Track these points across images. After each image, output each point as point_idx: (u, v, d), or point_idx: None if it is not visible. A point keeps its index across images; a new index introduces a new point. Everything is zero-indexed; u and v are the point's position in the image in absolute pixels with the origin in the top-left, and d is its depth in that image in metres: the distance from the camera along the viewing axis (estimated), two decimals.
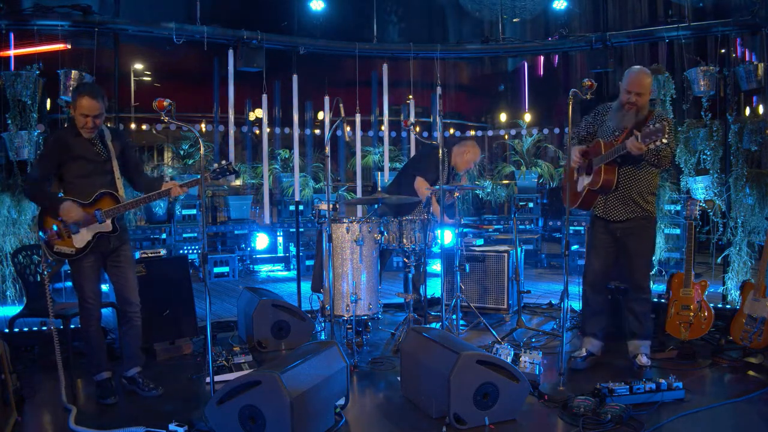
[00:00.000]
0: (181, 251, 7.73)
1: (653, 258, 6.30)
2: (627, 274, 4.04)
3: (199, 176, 3.41)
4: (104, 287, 3.74)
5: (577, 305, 5.34)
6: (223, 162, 3.60)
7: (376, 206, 5.21)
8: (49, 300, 3.50)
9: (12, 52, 5.89)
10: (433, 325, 4.65)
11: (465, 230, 5.32)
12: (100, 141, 3.49)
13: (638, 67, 3.80)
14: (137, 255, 4.42)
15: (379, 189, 4.72)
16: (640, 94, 3.72)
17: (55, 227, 3.34)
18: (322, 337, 4.56)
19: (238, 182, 9.17)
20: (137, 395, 3.56)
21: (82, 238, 3.38)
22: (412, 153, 8.14)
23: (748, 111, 7.11)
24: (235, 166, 3.63)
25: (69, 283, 6.49)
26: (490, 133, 10.36)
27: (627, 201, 3.88)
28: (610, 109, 3.95)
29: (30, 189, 3.49)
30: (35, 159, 3.47)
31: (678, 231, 7.04)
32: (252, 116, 9.81)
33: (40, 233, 3.37)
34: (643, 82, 3.71)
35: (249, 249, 8.55)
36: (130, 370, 3.62)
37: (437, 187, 4.65)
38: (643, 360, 3.90)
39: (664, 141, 3.33)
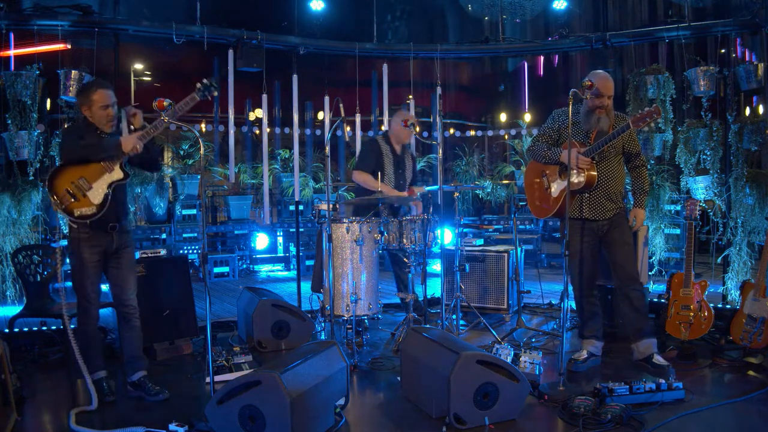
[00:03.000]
0: (181, 251, 7.72)
1: (653, 259, 6.32)
2: (618, 267, 3.93)
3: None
4: (104, 287, 3.74)
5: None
6: (204, 81, 3.51)
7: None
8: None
9: (12, 52, 5.88)
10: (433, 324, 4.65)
11: (465, 230, 5.31)
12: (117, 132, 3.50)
13: (601, 71, 3.90)
14: (137, 255, 4.42)
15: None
16: (610, 97, 3.87)
17: (67, 190, 3.30)
18: (322, 337, 4.56)
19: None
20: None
21: (97, 193, 3.34)
22: (413, 153, 8.14)
23: (748, 111, 7.11)
24: (213, 81, 3.55)
25: (69, 283, 6.49)
26: (490, 133, 10.36)
27: (612, 198, 3.92)
28: (578, 114, 3.97)
29: (78, 151, 3.35)
30: (62, 149, 3.47)
31: (678, 231, 7.03)
32: (252, 116, 9.80)
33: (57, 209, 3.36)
34: (612, 85, 3.87)
35: (249, 249, 8.55)
36: (135, 374, 3.55)
37: (436, 187, 4.65)
38: (661, 360, 3.82)
39: (657, 119, 3.68)
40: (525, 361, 3.55)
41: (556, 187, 4.01)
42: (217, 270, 7.99)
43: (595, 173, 3.84)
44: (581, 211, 3.95)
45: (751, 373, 3.80)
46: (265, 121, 7.77)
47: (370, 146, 5.15)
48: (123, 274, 3.57)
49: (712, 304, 4.19)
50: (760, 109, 6.14)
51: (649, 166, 6.28)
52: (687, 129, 5.98)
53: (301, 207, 8.54)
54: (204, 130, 9.90)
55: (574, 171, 3.85)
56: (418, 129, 4.72)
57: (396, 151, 5.17)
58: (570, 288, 4.02)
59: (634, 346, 3.97)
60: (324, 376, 3.00)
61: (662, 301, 4.44)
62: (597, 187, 3.88)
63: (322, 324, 4.58)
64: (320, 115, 9.94)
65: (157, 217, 7.85)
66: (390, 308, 5.82)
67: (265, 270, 8.63)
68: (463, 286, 4.95)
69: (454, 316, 4.65)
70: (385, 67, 7.87)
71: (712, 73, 5.91)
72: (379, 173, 4.69)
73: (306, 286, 5.24)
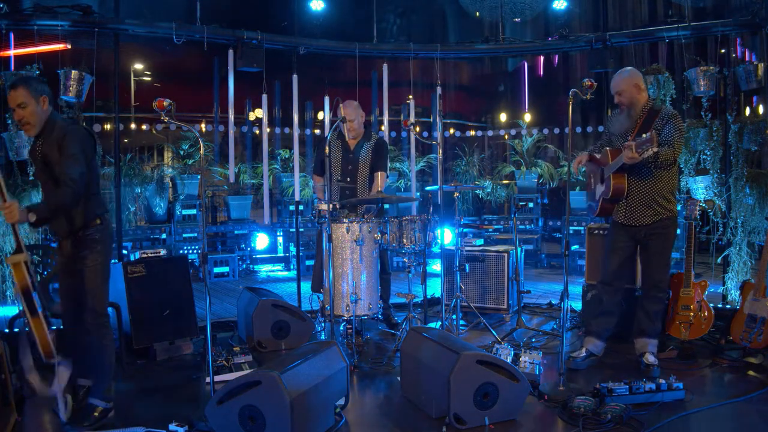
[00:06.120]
0: (181, 251, 7.72)
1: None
2: (644, 272, 4.02)
3: None
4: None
5: (577, 305, 5.34)
6: None
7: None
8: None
9: (12, 52, 5.88)
10: (433, 324, 4.65)
11: (465, 230, 5.31)
12: (40, 139, 3.04)
13: (625, 69, 3.96)
14: (137, 255, 4.43)
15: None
16: (620, 93, 3.90)
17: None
18: (322, 337, 4.56)
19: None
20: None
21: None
22: (412, 153, 8.15)
23: (748, 111, 7.10)
24: None
25: None
26: (490, 133, 10.36)
27: (650, 204, 3.87)
28: (619, 114, 4.03)
29: None
30: None
31: (678, 231, 7.04)
32: (252, 116, 9.81)
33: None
34: (616, 81, 3.92)
35: (249, 249, 8.55)
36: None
37: (436, 187, 4.65)
38: (651, 359, 3.86)
39: (654, 150, 3.44)
40: (525, 361, 3.55)
41: (597, 192, 4.13)
42: (217, 270, 7.99)
43: (622, 184, 3.86)
44: (618, 215, 3.99)
45: (751, 373, 3.80)
46: (265, 121, 7.77)
47: (319, 146, 5.04)
48: (81, 276, 3.16)
49: (712, 304, 4.20)
50: (760, 109, 6.14)
51: None
52: (687, 129, 5.97)
53: (301, 207, 8.54)
54: (204, 130, 9.91)
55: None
56: (417, 129, 4.71)
57: (349, 146, 4.93)
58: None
59: (635, 341, 4.05)
60: (324, 376, 3.00)
61: None
62: (630, 194, 3.90)
63: (322, 324, 4.58)
64: (320, 115, 9.94)
65: (157, 217, 7.85)
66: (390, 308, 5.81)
67: (265, 270, 8.63)
68: (463, 286, 4.95)
69: (454, 316, 4.65)
70: (385, 67, 7.87)
71: (712, 73, 5.91)
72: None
73: (306, 286, 5.24)
